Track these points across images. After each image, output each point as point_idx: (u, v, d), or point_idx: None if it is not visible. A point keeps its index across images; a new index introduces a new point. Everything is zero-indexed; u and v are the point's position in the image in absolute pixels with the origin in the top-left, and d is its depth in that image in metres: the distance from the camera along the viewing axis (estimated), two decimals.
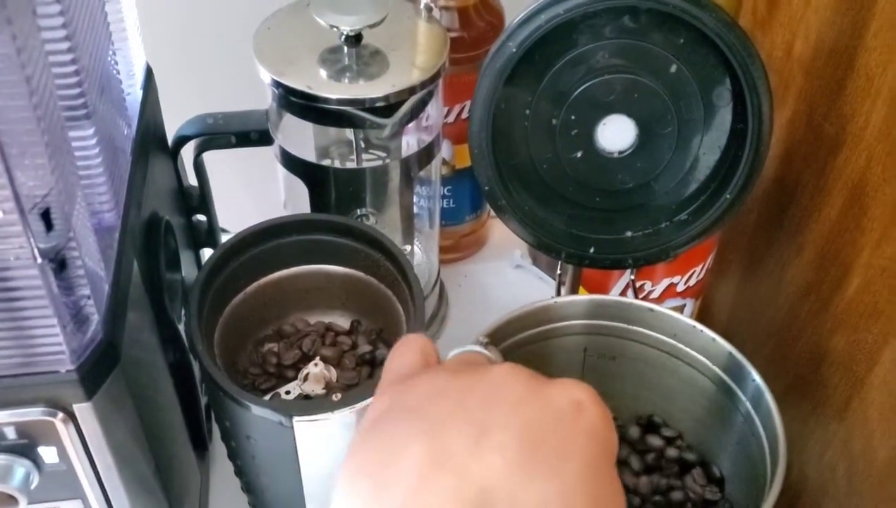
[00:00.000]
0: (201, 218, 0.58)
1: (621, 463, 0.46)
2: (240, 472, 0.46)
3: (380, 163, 0.56)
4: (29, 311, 0.32)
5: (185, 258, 0.52)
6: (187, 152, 0.54)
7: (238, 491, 0.51)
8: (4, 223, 0.29)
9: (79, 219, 0.33)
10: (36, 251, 0.30)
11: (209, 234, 0.58)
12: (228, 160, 0.57)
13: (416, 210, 0.60)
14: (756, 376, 0.39)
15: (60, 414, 0.34)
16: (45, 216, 0.30)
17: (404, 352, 0.30)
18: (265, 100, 0.52)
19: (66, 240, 0.32)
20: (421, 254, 0.64)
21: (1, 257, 0.30)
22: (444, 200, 0.65)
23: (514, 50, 0.41)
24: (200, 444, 0.53)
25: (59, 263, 0.32)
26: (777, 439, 0.37)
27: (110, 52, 0.41)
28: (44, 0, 0.30)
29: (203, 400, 0.52)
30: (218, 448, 0.56)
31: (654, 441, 0.43)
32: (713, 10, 0.40)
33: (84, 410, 0.35)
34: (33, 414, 0.34)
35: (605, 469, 0.26)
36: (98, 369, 0.35)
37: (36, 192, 0.30)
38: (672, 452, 0.43)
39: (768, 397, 0.38)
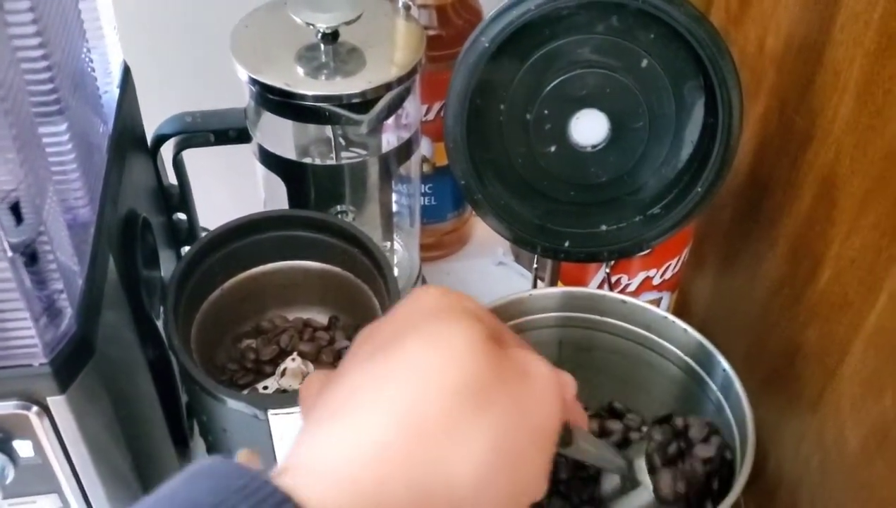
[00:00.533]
0: (182, 216, 0.58)
1: None
2: None
3: (358, 159, 0.56)
4: (1, 304, 0.32)
5: (166, 256, 0.53)
6: (167, 151, 0.54)
7: None
8: None
9: (50, 213, 0.33)
10: (6, 244, 0.30)
11: (190, 233, 0.58)
12: (208, 158, 0.58)
13: (396, 207, 0.60)
14: (725, 364, 0.40)
15: (35, 408, 0.35)
16: (15, 209, 0.30)
17: None
18: (243, 98, 0.53)
19: (36, 234, 0.32)
20: (402, 251, 0.64)
21: None
22: (426, 198, 0.66)
23: (487, 45, 0.42)
24: (181, 440, 0.53)
25: (29, 256, 0.32)
26: (746, 425, 0.37)
27: (84, 50, 0.41)
28: None
29: (184, 397, 0.53)
30: (200, 444, 0.56)
31: (615, 425, 0.43)
32: (682, 4, 0.41)
33: (58, 403, 0.35)
34: (8, 407, 0.34)
35: (529, 444, 0.26)
36: (72, 363, 0.35)
37: (4, 186, 0.30)
38: (634, 436, 0.43)
39: (737, 385, 0.39)
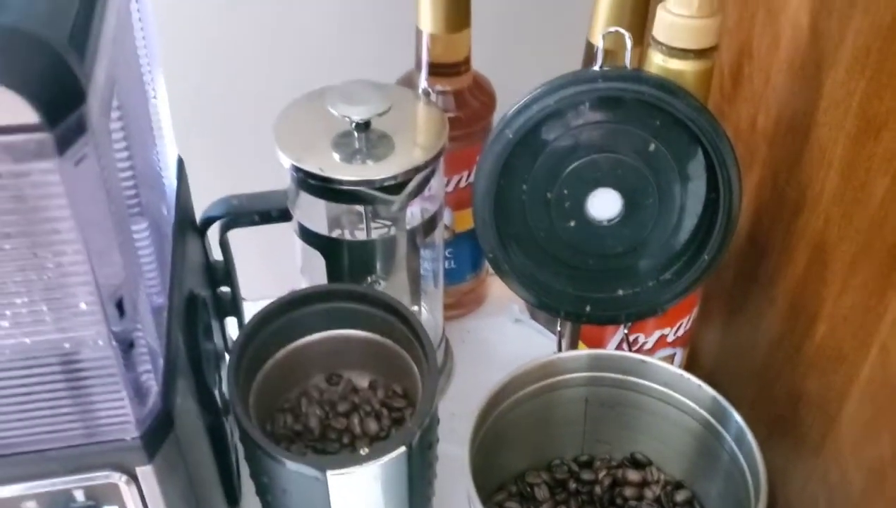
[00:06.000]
0: (225, 289, 0.62)
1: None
2: None
3: (388, 233, 0.61)
4: (101, 388, 0.36)
5: (213, 329, 0.57)
6: (213, 231, 0.59)
7: None
8: (86, 313, 0.34)
9: (142, 303, 0.38)
10: (111, 336, 0.35)
11: (233, 305, 0.62)
12: (247, 235, 0.62)
13: (422, 272, 0.65)
14: (738, 417, 0.44)
15: (125, 477, 0.39)
16: (119, 305, 0.35)
17: None
18: (282, 180, 0.57)
19: (134, 324, 0.36)
20: (427, 314, 0.69)
21: (79, 341, 0.35)
22: (447, 261, 0.70)
23: (511, 136, 0.47)
24: (232, 500, 0.57)
25: (128, 345, 0.36)
26: (759, 472, 0.41)
27: (154, 152, 0.46)
28: (112, 117, 0.35)
29: (233, 458, 0.57)
30: (247, 501, 0.60)
31: (634, 476, 0.48)
32: (685, 96, 0.46)
33: (145, 472, 0.39)
34: (101, 477, 0.38)
35: None
36: (157, 435, 0.39)
37: (111, 284, 0.34)
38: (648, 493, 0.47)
39: (749, 436, 0.43)
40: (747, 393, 0.58)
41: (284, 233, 0.60)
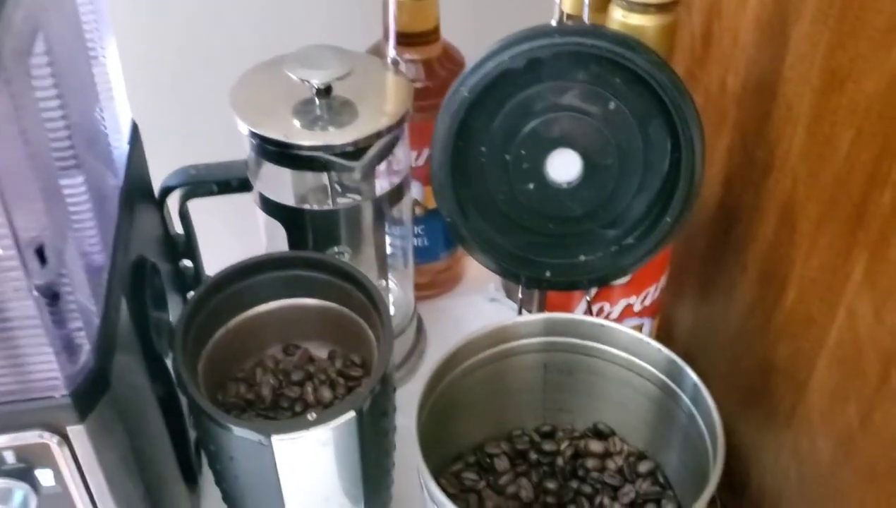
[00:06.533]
0: (188, 263, 0.61)
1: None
2: (226, 496, 0.48)
3: (353, 203, 0.60)
4: (26, 341, 0.35)
5: (174, 302, 0.56)
6: (173, 202, 0.58)
7: None
8: (3, 258, 0.32)
9: (70, 257, 0.36)
10: (31, 284, 0.33)
11: (195, 278, 0.61)
12: (211, 210, 0.61)
13: (390, 249, 0.64)
14: (693, 376, 0.43)
15: (56, 437, 0.37)
16: (40, 252, 0.34)
17: None
18: (244, 150, 0.56)
19: (57, 276, 0.35)
20: (398, 291, 0.68)
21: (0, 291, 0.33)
22: (418, 239, 0.69)
23: (467, 94, 0.45)
24: (190, 478, 0.55)
25: (52, 296, 0.35)
26: (715, 429, 0.40)
27: (97, 110, 0.45)
28: (37, 63, 0.34)
29: (192, 435, 0.55)
30: (207, 484, 0.58)
31: (596, 446, 0.46)
32: (644, 51, 0.44)
33: (77, 432, 0.38)
34: (31, 437, 0.37)
35: None
36: (90, 395, 0.38)
37: (31, 232, 0.33)
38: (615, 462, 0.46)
39: (705, 392, 0.42)
40: (719, 366, 0.56)
41: (250, 208, 0.59)
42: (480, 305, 0.72)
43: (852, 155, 0.41)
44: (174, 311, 0.54)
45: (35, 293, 0.34)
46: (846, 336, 0.43)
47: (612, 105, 0.46)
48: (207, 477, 0.59)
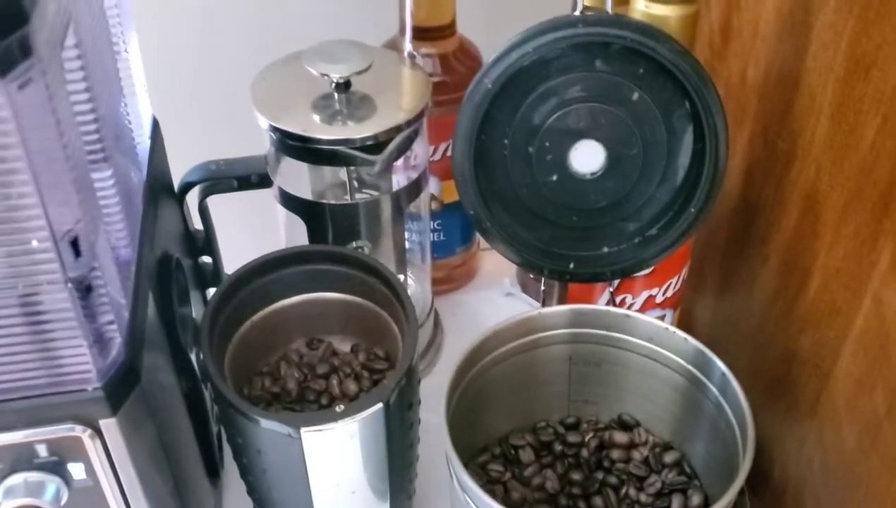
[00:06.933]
0: (207, 259, 0.61)
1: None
2: (252, 489, 0.48)
3: (371, 198, 0.60)
4: (60, 333, 0.35)
5: (193, 298, 0.56)
6: (192, 199, 0.58)
7: None
8: (38, 250, 0.32)
9: (101, 250, 0.36)
10: (66, 276, 0.33)
11: (215, 275, 0.61)
12: (230, 207, 0.61)
13: (408, 244, 0.64)
14: (721, 365, 0.43)
15: (88, 430, 0.37)
16: (74, 244, 0.34)
17: None
18: (263, 146, 0.56)
19: (90, 268, 0.35)
20: (415, 285, 0.68)
21: (34, 283, 0.33)
22: (435, 234, 0.69)
23: (490, 86, 0.45)
24: (213, 472, 0.56)
25: (85, 289, 0.35)
26: (745, 420, 0.40)
27: (122, 104, 0.45)
28: (68, 56, 0.34)
29: (215, 430, 0.55)
30: (229, 477, 0.59)
31: (621, 437, 0.46)
32: (667, 40, 0.45)
33: (109, 425, 0.38)
34: (63, 430, 0.37)
35: None
36: (121, 388, 0.38)
37: (66, 224, 0.33)
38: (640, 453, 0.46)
39: (734, 383, 0.42)
40: (742, 357, 0.56)
41: (268, 206, 0.59)
42: (496, 300, 0.72)
43: (878, 143, 0.41)
44: (195, 308, 0.54)
45: (69, 285, 0.34)
46: (872, 324, 0.43)
47: (635, 95, 0.46)
48: (229, 472, 0.59)
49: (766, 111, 0.51)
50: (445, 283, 0.72)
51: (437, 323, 0.69)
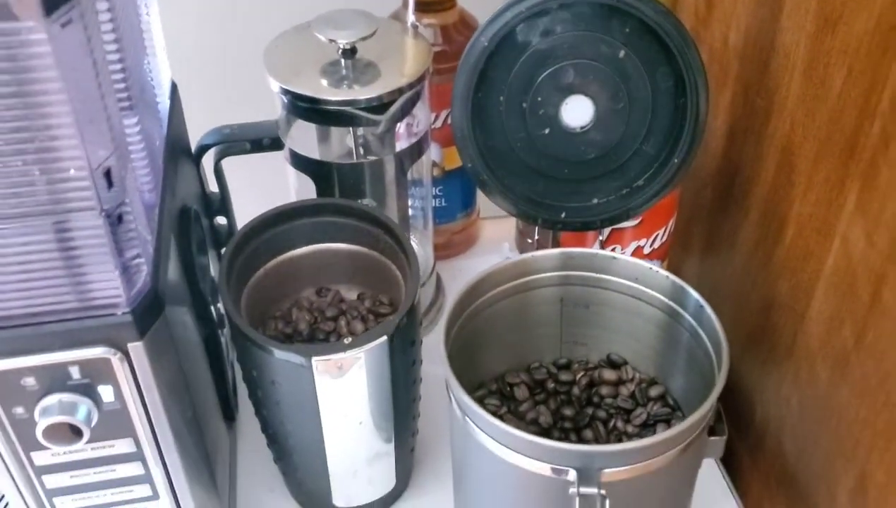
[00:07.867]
0: (222, 220, 0.65)
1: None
2: (266, 424, 0.52)
3: (376, 158, 0.63)
4: (93, 258, 0.38)
5: (210, 257, 0.59)
6: (208, 163, 0.61)
7: (263, 459, 0.57)
8: (75, 179, 0.36)
9: (130, 187, 0.40)
10: (100, 204, 0.37)
11: (229, 235, 0.65)
12: (243, 171, 0.65)
13: (411, 210, 0.67)
14: (696, 295, 0.46)
15: (118, 353, 0.41)
16: (108, 175, 0.37)
17: None
18: (275, 112, 0.60)
19: (120, 202, 0.39)
20: (418, 248, 0.71)
21: (70, 210, 0.37)
22: (437, 200, 0.72)
23: (486, 43, 0.49)
24: (229, 415, 0.59)
25: (116, 218, 0.38)
26: (718, 339, 0.43)
27: (146, 62, 0.48)
28: (101, 8, 0.38)
29: (230, 376, 0.59)
30: (243, 424, 0.62)
31: (610, 374, 0.50)
32: (652, 2, 0.48)
33: (137, 349, 0.41)
34: (94, 353, 0.41)
35: None
36: (148, 313, 0.41)
37: (100, 156, 0.37)
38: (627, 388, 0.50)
39: (708, 310, 0.45)
40: (727, 309, 0.59)
41: (279, 168, 0.63)
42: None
43: (844, 92, 0.45)
44: (212, 266, 0.58)
45: (103, 213, 0.37)
46: (841, 263, 0.46)
47: (622, 53, 0.49)
48: (243, 418, 0.62)
49: (746, 72, 0.55)
50: (447, 249, 0.76)
51: (438, 286, 0.73)
